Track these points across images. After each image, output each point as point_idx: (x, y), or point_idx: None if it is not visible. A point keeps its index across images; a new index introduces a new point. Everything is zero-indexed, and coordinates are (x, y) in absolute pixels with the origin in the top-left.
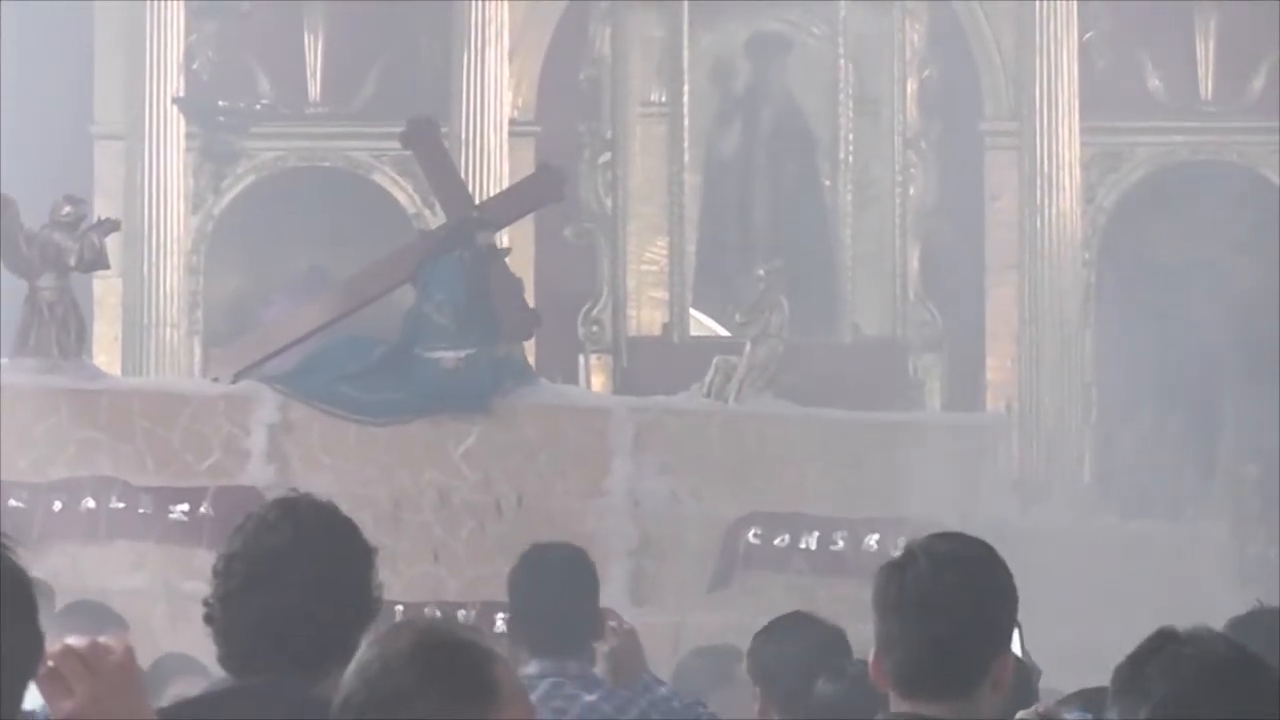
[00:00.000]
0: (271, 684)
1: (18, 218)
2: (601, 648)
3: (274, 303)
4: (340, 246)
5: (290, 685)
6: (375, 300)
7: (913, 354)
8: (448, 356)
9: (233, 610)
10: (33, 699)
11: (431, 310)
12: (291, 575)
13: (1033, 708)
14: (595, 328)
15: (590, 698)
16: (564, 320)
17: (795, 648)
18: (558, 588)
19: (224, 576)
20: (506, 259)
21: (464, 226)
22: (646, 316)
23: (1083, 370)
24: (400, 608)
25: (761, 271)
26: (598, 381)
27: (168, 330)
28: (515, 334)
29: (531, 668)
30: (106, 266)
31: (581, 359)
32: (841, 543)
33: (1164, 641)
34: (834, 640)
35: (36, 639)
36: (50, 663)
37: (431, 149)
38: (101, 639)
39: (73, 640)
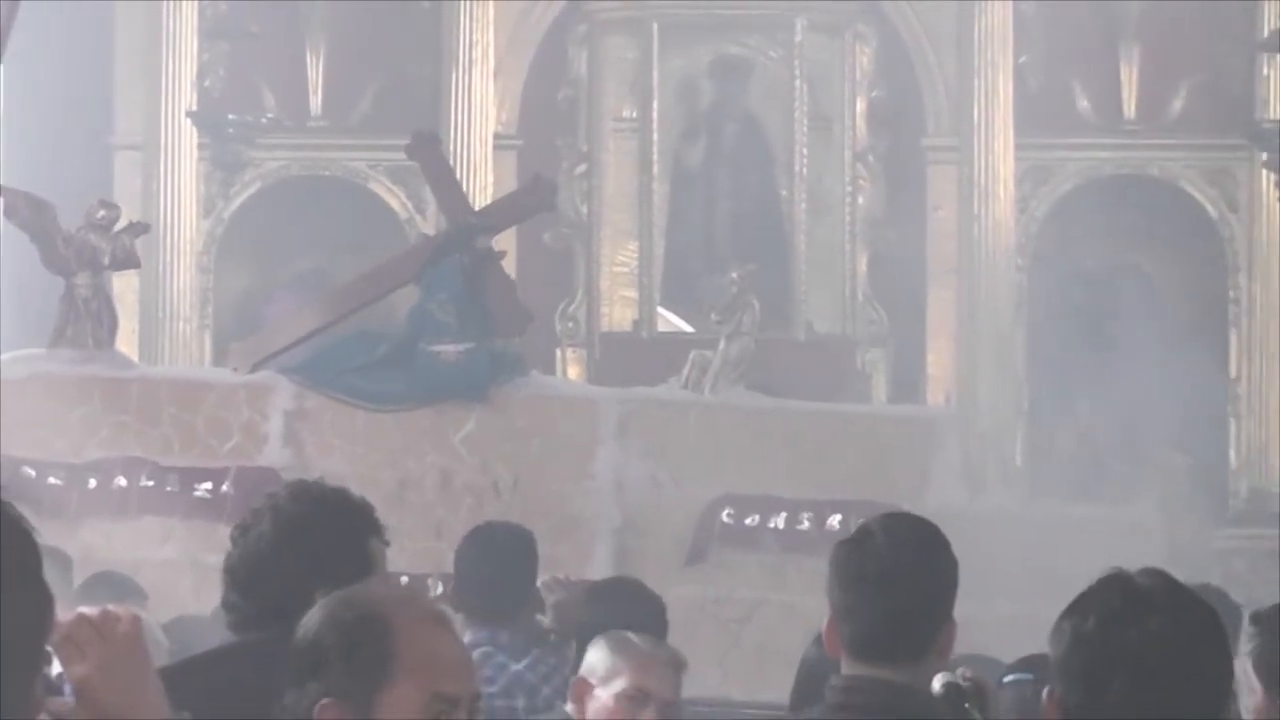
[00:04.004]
0: (268, 641)
1: (55, 220)
2: (549, 598)
3: (277, 300)
4: (338, 249)
5: (286, 644)
6: (382, 298)
7: (860, 349)
8: (449, 350)
9: (233, 575)
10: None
11: (434, 308)
12: (283, 543)
13: (957, 670)
14: (571, 324)
15: (517, 667)
16: (543, 316)
17: (620, 617)
18: (499, 563)
19: (234, 545)
20: (501, 261)
21: (463, 231)
22: (618, 314)
23: (1016, 366)
24: (405, 579)
25: (735, 275)
26: (573, 372)
27: (180, 324)
28: (510, 330)
29: (467, 636)
30: (137, 265)
31: (558, 352)
32: (807, 523)
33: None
34: (656, 611)
35: (45, 601)
36: (65, 630)
37: (434, 160)
38: (111, 607)
39: (84, 609)
